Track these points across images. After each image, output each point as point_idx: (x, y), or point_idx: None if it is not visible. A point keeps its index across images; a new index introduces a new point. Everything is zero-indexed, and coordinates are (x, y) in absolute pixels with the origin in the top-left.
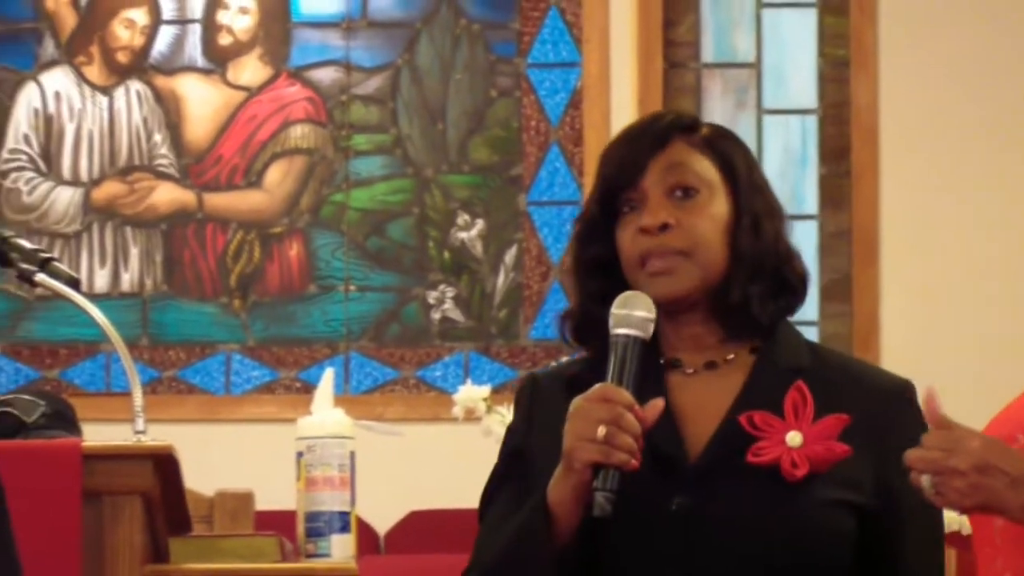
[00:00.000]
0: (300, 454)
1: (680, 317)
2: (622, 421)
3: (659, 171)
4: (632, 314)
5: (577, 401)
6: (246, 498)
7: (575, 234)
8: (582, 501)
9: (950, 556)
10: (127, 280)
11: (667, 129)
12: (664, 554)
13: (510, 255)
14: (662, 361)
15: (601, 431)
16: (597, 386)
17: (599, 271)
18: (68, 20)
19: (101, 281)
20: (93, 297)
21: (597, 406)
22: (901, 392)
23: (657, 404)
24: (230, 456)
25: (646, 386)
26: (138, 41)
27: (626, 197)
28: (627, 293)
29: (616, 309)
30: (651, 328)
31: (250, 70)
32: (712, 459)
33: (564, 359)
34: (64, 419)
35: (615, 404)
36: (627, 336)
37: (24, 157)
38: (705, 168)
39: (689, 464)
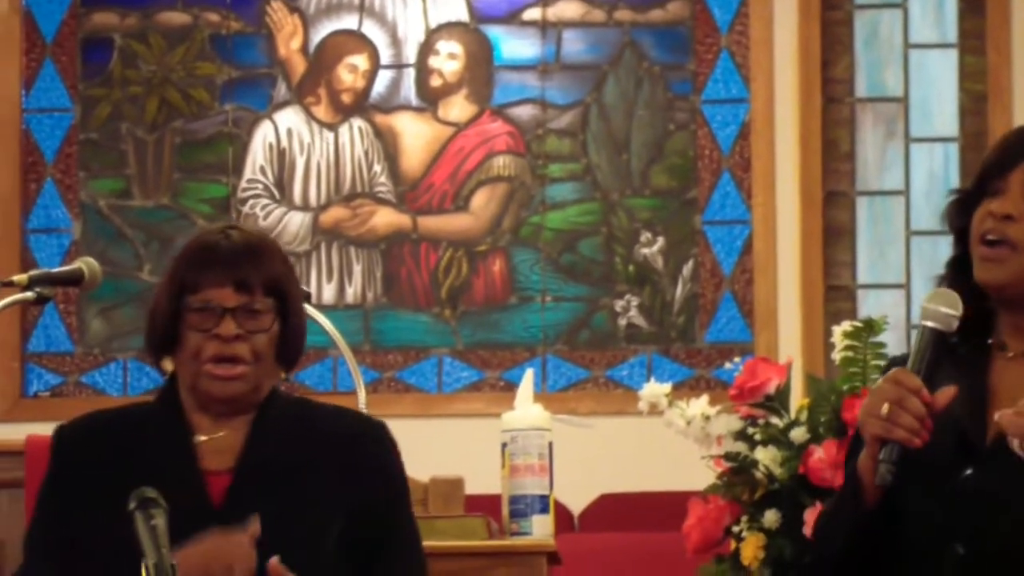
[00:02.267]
0: (504, 444)
1: (1010, 304)
2: (906, 402)
3: None
4: (937, 309)
5: (878, 381)
6: (457, 483)
7: (947, 205)
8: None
9: None
10: (351, 293)
11: None
12: (947, 526)
13: (687, 268)
14: (990, 342)
15: (884, 408)
16: (894, 369)
17: (961, 241)
18: (299, 66)
19: (328, 294)
20: (322, 308)
21: (888, 387)
22: None
23: (948, 391)
24: (442, 447)
25: (966, 366)
26: (360, 83)
27: (994, 184)
28: (937, 290)
29: (925, 303)
30: (954, 323)
31: (458, 108)
32: (1005, 441)
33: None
34: None
35: (902, 386)
36: (929, 328)
37: (260, 186)
38: None
39: (985, 444)
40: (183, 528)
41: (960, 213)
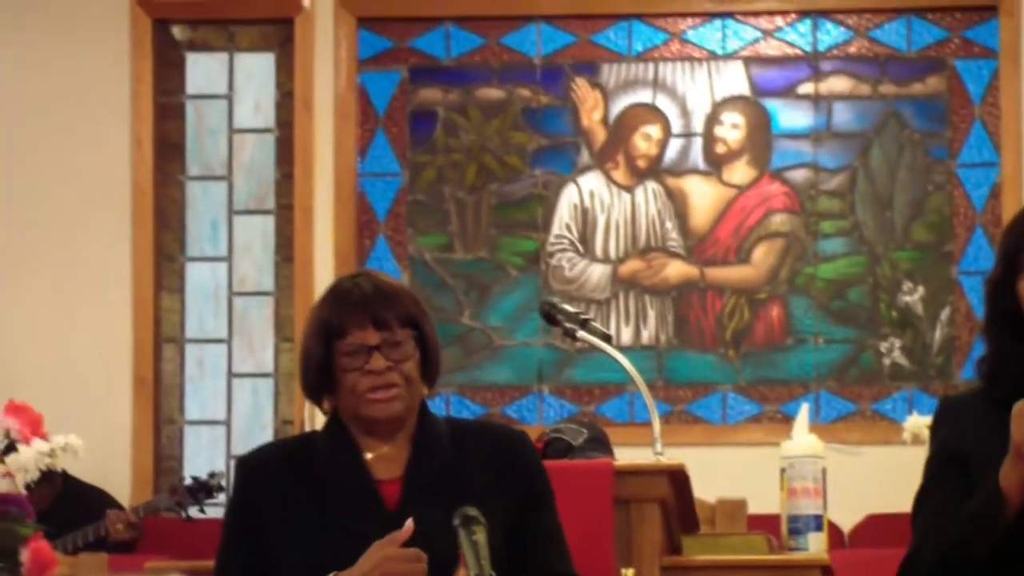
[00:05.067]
0: (783, 470)
1: None
2: None
3: None
4: None
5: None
6: (741, 504)
7: (987, 292)
8: None
9: None
10: (646, 335)
11: None
12: None
13: (945, 314)
14: None
15: None
16: None
17: (1006, 320)
18: (600, 135)
19: (626, 336)
20: (621, 349)
21: None
22: None
23: None
24: (727, 472)
25: None
26: (654, 150)
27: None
28: None
29: None
30: None
31: (740, 172)
32: None
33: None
34: (601, 443)
35: None
36: None
37: (566, 241)
38: None
39: None
40: (365, 530)
41: (998, 297)
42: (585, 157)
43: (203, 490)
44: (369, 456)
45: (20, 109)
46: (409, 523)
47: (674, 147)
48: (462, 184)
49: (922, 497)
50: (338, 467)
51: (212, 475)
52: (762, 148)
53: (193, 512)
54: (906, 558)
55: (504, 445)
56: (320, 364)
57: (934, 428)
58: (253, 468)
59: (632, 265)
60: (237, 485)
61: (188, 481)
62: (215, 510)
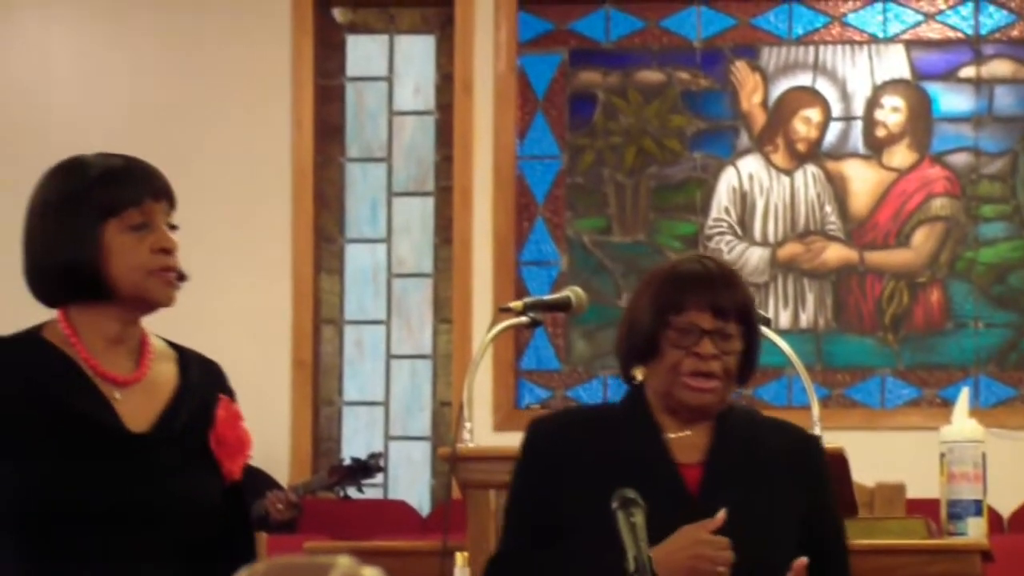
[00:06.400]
0: (943, 455)
1: None
2: None
3: None
4: None
5: None
6: (899, 489)
7: None
8: None
9: None
10: (804, 319)
11: None
12: None
13: None
14: None
15: None
16: None
17: None
18: (759, 118)
19: (784, 320)
20: (779, 332)
21: None
22: None
23: None
24: (886, 456)
25: None
26: (813, 134)
27: None
28: None
29: None
30: None
31: (900, 155)
32: None
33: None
34: None
35: None
36: None
37: (725, 224)
38: None
39: None
40: (666, 513)
41: None
42: (744, 140)
43: (363, 470)
44: (671, 436)
45: (182, 92)
46: (722, 513)
47: (834, 130)
48: (621, 167)
49: None
50: (638, 444)
51: (372, 455)
52: (923, 132)
53: (352, 493)
54: None
55: (802, 445)
56: (648, 333)
57: None
58: (549, 432)
59: (791, 248)
60: (530, 447)
61: (348, 461)
62: (375, 491)
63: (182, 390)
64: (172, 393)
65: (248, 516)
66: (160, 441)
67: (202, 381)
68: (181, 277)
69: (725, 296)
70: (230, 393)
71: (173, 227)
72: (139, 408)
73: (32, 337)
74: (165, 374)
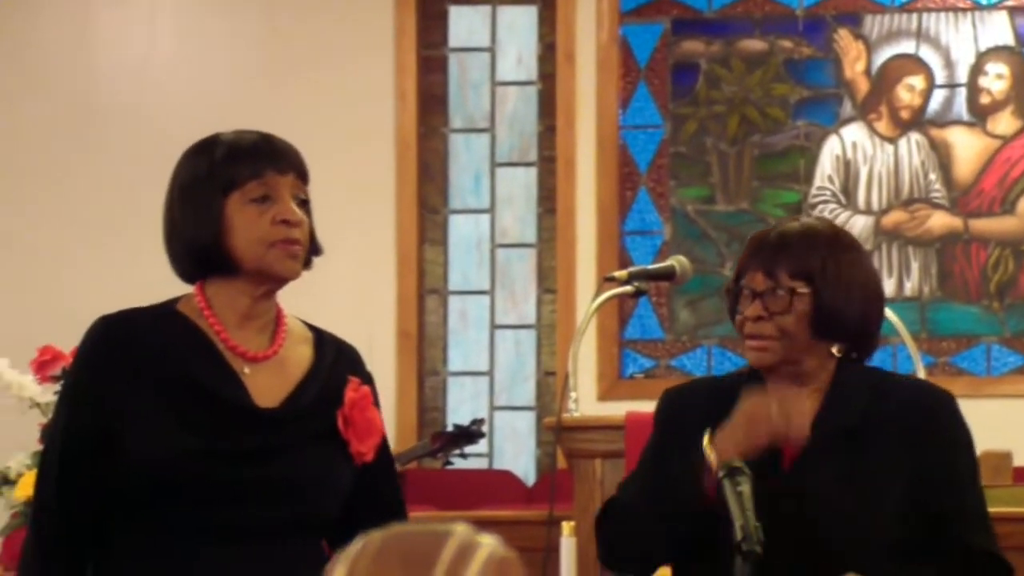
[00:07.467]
0: None
1: None
2: None
3: None
4: None
5: None
6: (1006, 457)
7: None
8: None
9: None
10: (909, 287)
11: None
12: None
13: None
14: None
15: None
16: None
17: None
18: (862, 86)
19: (889, 288)
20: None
21: None
22: None
23: None
24: (991, 424)
25: None
26: (917, 101)
27: None
28: None
29: None
30: None
31: (1005, 122)
32: None
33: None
34: None
35: None
36: None
37: (828, 193)
38: None
39: None
40: (764, 477)
41: None
42: (848, 108)
43: (465, 437)
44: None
45: (284, 63)
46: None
47: (937, 98)
48: (724, 136)
49: None
50: None
51: (474, 422)
52: None
53: (456, 460)
54: None
55: (923, 405)
56: (731, 299)
57: None
58: (672, 400)
59: (895, 216)
60: (660, 410)
61: (450, 428)
62: (479, 461)
63: (314, 370)
64: (304, 373)
65: (386, 499)
66: (287, 418)
67: (336, 363)
68: (314, 251)
69: (777, 258)
70: (366, 377)
71: (304, 202)
72: (268, 384)
73: (167, 310)
74: (299, 354)
